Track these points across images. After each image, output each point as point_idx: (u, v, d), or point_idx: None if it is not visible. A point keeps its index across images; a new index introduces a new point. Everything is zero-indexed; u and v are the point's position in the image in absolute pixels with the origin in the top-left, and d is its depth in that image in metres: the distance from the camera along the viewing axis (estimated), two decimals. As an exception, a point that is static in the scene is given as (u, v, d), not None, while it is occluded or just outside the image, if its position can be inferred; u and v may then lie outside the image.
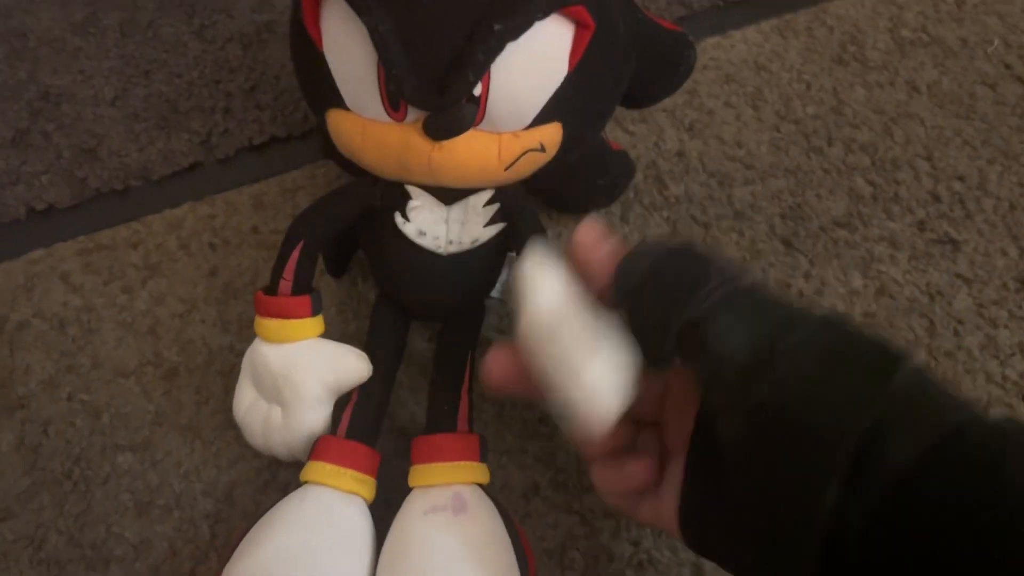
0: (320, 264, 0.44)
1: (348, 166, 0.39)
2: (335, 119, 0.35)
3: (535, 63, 0.33)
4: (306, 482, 0.36)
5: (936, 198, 0.51)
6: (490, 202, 0.38)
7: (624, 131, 0.54)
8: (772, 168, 0.53)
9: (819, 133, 0.54)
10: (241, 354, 0.40)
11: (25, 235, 0.50)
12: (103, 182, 0.50)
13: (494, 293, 0.43)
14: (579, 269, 0.30)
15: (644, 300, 0.27)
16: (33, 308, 0.47)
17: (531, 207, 0.40)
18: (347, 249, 0.45)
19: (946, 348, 0.46)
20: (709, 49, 0.58)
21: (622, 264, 0.28)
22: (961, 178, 0.52)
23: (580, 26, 0.33)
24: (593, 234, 0.30)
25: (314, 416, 0.37)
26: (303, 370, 0.37)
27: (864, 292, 0.48)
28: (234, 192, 0.51)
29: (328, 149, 0.40)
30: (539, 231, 0.39)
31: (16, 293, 0.47)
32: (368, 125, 0.34)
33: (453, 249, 0.38)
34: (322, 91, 0.35)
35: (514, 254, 0.41)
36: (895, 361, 0.24)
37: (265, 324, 0.37)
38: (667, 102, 0.55)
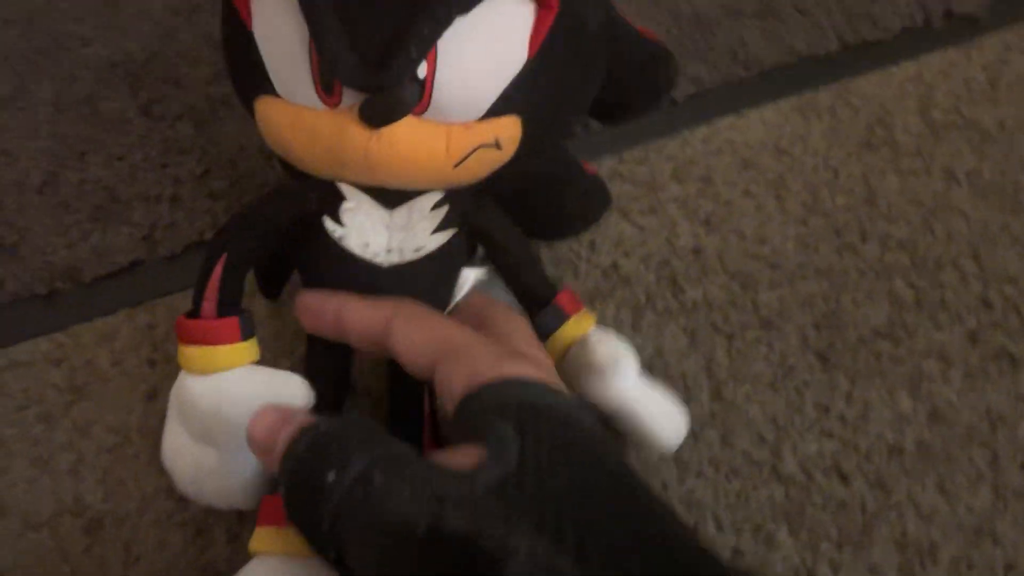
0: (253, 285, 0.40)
1: (288, 165, 0.36)
2: (263, 108, 0.32)
3: (489, 44, 0.30)
4: (257, 553, 0.33)
5: (987, 304, 0.47)
6: (438, 205, 0.34)
7: (631, 223, 0.50)
8: (801, 268, 0.48)
9: (851, 228, 0.50)
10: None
11: (-75, 348, 0.44)
12: (23, 285, 0.45)
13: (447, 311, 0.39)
14: (259, 456, 0.29)
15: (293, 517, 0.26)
16: (-71, 441, 0.40)
17: (492, 204, 0.36)
18: (282, 266, 0.41)
19: (1015, 485, 0.41)
20: (724, 130, 0.54)
21: (276, 481, 0.27)
22: (1013, 280, 0.48)
23: (542, 6, 0.30)
24: (268, 423, 0.28)
25: (251, 457, 0.33)
26: (235, 404, 0.33)
27: (915, 417, 0.43)
28: (180, 296, 0.46)
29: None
30: (509, 232, 0.37)
31: (-91, 422, 0.41)
32: (299, 112, 0.31)
33: (394, 259, 0.34)
34: (251, 76, 0.32)
35: (481, 269, 0.39)
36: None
37: (188, 353, 0.34)
38: (679, 191, 0.51)
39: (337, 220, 0.34)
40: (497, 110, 0.31)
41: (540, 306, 0.38)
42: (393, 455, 0.25)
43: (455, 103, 0.30)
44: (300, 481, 0.26)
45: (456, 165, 0.32)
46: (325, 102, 0.30)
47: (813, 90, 0.57)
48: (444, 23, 0.28)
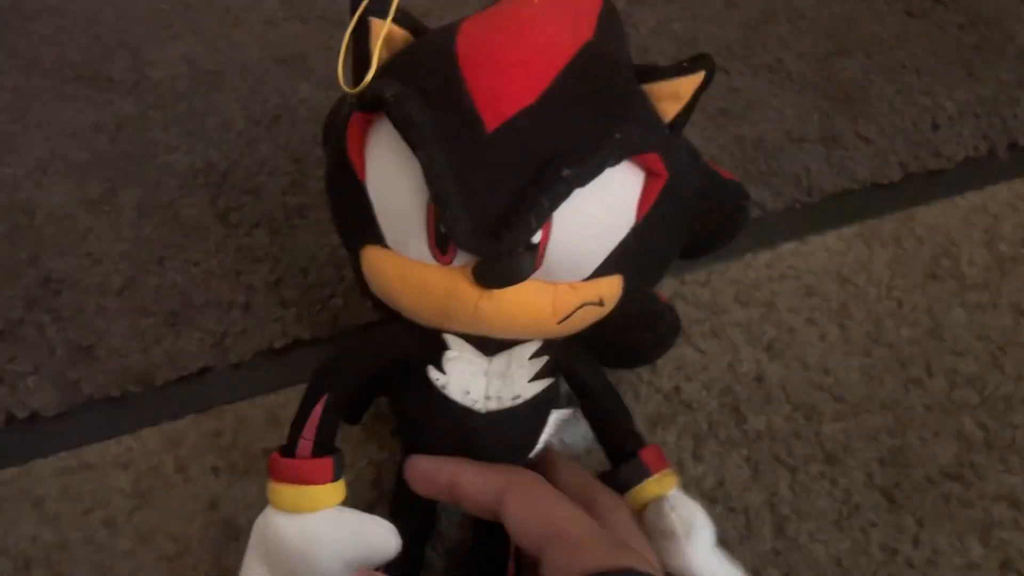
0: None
1: (383, 306, 0.36)
2: (371, 257, 0.33)
3: (601, 212, 0.31)
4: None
5: (1060, 447, 0.46)
6: (537, 354, 0.35)
7: (693, 347, 0.50)
8: (866, 401, 0.48)
9: (916, 361, 0.50)
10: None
11: (-1, 447, 0.45)
12: (98, 387, 0.46)
13: (533, 454, 0.39)
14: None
15: None
16: (-3, 542, 0.41)
17: (582, 349, 0.37)
18: (368, 398, 0.41)
19: (1095, 647, 0.39)
20: (786, 256, 0.55)
21: None
22: (1087, 423, 0.47)
23: (651, 175, 0.32)
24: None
25: None
26: (323, 546, 0.33)
27: (985, 565, 0.42)
28: (246, 404, 0.47)
29: (363, 287, 0.38)
30: (600, 380, 0.38)
31: (-20, 521, 0.42)
32: (409, 266, 0.32)
33: (492, 406, 0.35)
34: (359, 225, 0.33)
35: (569, 410, 0.39)
36: None
37: (280, 491, 0.34)
38: (742, 315, 0.51)
39: (440, 368, 0.34)
40: (602, 271, 0.32)
41: (624, 457, 0.38)
42: None
43: (564, 266, 0.32)
44: None
45: (560, 322, 0.33)
46: (438, 259, 0.31)
47: (877, 218, 0.57)
48: (564, 196, 0.29)
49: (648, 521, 0.37)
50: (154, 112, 0.60)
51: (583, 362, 0.37)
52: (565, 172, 0.29)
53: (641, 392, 0.48)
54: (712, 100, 0.63)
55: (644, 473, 0.37)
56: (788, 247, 0.55)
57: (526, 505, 0.32)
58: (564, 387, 0.38)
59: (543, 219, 0.29)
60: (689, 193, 0.35)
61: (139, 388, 0.47)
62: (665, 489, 0.37)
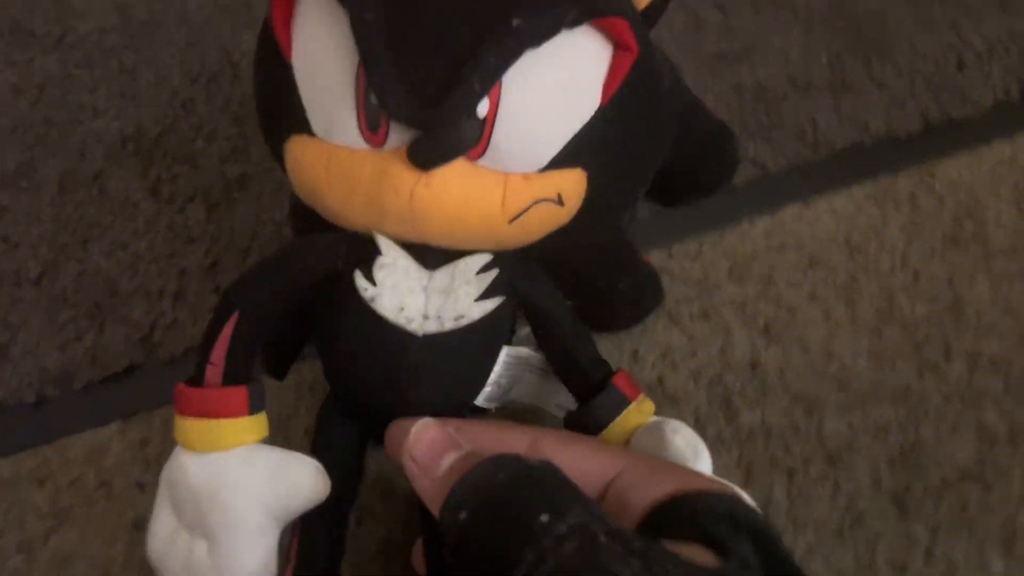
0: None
1: (308, 224, 0.33)
2: (295, 149, 0.29)
3: (560, 84, 0.27)
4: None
5: (1095, 440, 0.42)
6: (485, 268, 0.31)
7: (681, 330, 0.45)
8: (874, 390, 0.43)
9: (933, 342, 0.45)
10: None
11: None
12: (10, 391, 0.43)
13: (479, 400, 0.35)
14: (413, 483, 0.28)
15: (464, 563, 0.24)
16: None
17: (543, 274, 0.33)
18: (294, 339, 0.37)
19: None
20: (788, 222, 0.49)
21: (447, 505, 0.25)
22: None
23: (620, 48, 0.27)
24: (430, 440, 0.28)
25: (252, 553, 0.29)
26: (236, 489, 0.29)
27: (1008, 580, 0.38)
28: (177, 407, 0.42)
29: (291, 209, 0.34)
30: (560, 304, 0.33)
31: None
32: (337, 153, 0.28)
33: (431, 328, 0.30)
34: (283, 114, 0.29)
35: (525, 347, 0.35)
36: None
37: (186, 426, 0.30)
38: (736, 292, 0.46)
39: (370, 278, 0.30)
40: (562, 161, 0.28)
41: (594, 390, 0.34)
42: (611, 523, 0.23)
43: (517, 149, 0.27)
44: (497, 514, 0.24)
45: (511, 221, 0.28)
46: (368, 140, 0.27)
47: (891, 175, 0.52)
48: (513, 55, 0.25)
49: (645, 451, 0.33)
50: (80, 71, 0.55)
51: (542, 286, 0.33)
52: (516, 22, 0.25)
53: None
54: (706, 41, 0.57)
55: (623, 402, 0.33)
56: (790, 211, 0.50)
57: (568, 447, 0.29)
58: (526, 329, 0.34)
59: (489, 82, 0.25)
60: (665, 87, 0.30)
61: (57, 392, 0.43)
62: (647, 415, 0.34)
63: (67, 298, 0.45)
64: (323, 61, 0.27)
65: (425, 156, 0.26)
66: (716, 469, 0.41)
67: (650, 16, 0.29)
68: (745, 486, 0.40)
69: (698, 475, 0.28)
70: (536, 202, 0.28)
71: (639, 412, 0.33)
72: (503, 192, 0.28)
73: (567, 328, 0.34)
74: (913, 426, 0.42)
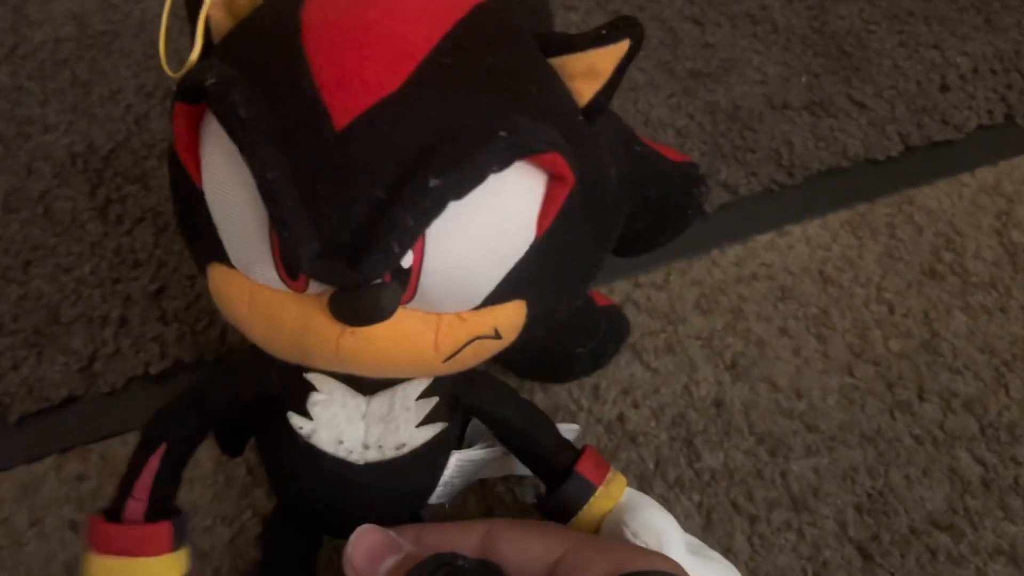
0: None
1: None
2: (216, 277, 0.27)
3: (489, 227, 0.25)
4: None
5: (1072, 488, 0.40)
6: (426, 394, 0.30)
7: (643, 365, 0.44)
8: (843, 432, 0.42)
9: (906, 381, 0.43)
10: None
11: None
12: (-59, 424, 0.40)
13: (432, 499, 0.34)
14: None
15: None
16: None
17: (488, 381, 0.33)
18: (245, 426, 0.36)
19: None
20: (760, 251, 0.48)
21: None
22: (1106, 457, 0.41)
23: (554, 178, 0.25)
24: (368, 546, 0.28)
25: None
26: None
27: (976, 638, 0.36)
28: (117, 442, 0.41)
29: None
30: (509, 404, 0.33)
31: None
32: (258, 292, 0.26)
33: (372, 456, 0.30)
34: (201, 239, 0.27)
35: (480, 450, 0.35)
36: None
37: (103, 565, 0.29)
38: (702, 325, 0.45)
39: (304, 413, 0.29)
40: (498, 297, 0.26)
41: (561, 476, 0.33)
42: None
43: (447, 293, 0.26)
44: None
45: (446, 360, 0.27)
46: (289, 286, 0.25)
47: (868, 202, 0.50)
48: (433, 212, 0.23)
49: (609, 537, 0.32)
50: (31, 83, 0.54)
51: (486, 392, 0.32)
52: (433, 182, 0.22)
53: (580, 420, 0.42)
54: (681, 57, 0.55)
55: (589, 488, 0.33)
56: (762, 239, 0.48)
57: (521, 534, 0.29)
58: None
59: (409, 242, 0.23)
60: (609, 195, 0.28)
61: (-10, 424, 0.41)
62: (616, 498, 0.33)
63: (4, 325, 0.44)
64: (233, 203, 0.25)
65: (346, 316, 0.25)
66: (676, 514, 0.40)
67: (593, 111, 0.27)
68: (705, 532, 0.39)
69: (643, 553, 0.28)
70: (472, 340, 0.27)
71: (606, 497, 0.33)
72: (435, 335, 0.26)
73: (523, 426, 0.33)
74: (883, 470, 0.41)
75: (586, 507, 0.32)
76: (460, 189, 0.23)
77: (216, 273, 0.27)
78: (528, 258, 0.26)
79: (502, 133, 0.23)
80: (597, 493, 0.32)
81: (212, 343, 0.43)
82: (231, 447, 0.37)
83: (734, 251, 0.48)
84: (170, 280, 0.45)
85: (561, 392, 0.43)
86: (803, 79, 0.54)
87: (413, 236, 0.23)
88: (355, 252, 0.23)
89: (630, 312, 0.45)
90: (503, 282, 0.26)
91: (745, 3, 0.58)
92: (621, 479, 0.34)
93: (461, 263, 0.25)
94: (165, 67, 0.27)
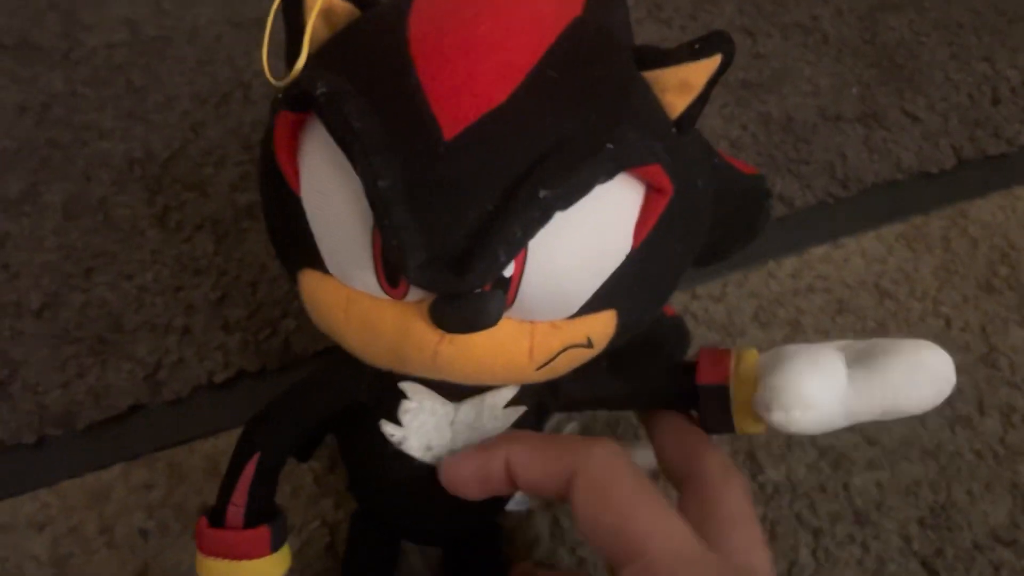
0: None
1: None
2: (310, 284, 0.27)
3: (589, 239, 0.25)
4: None
5: None
6: (514, 402, 0.30)
7: (703, 377, 0.44)
8: (904, 447, 0.42)
9: (966, 396, 0.44)
10: None
11: None
12: (10, 431, 0.41)
13: (512, 505, 0.35)
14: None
15: None
16: None
17: (568, 382, 0.31)
18: (318, 432, 0.36)
19: None
20: (816, 263, 0.48)
21: None
22: None
23: (653, 189, 0.26)
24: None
25: None
26: None
27: (1043, 654, 0.37)
28: (183, 450, 0.41)
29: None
30: (599, 388, 0.32)
31: None
32: (355, 299, 0.26)
33: None
34: (295, 245, 0.27)
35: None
36: None
37: (209, 566, 0.30)
38: (761, 338, 0.45)
39: (395, 419, 0.30)
40: (592, 307, 0.27)
41: (693, 400, 0.31)
42: None
43: (544, 303, 0.26)
44: None
45: (539, 368, 0.28)
46: (389, 293, 0.26)
47: (923, 215, 0.50)
48: (541, 222, 0.23)
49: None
50: (87, 89, 0.54)
51: (573, 386, 0.32)
52: (543, 193, 0.23)
53: (640, 434, 0.42)
54: (733, 68, 0.55)
55: (722, 393, 0.30)
56: (818, 252, 0.49)
57: (598, 502, 0.26)
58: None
59: (515, 251, 0.23)
60: (700, 206, 0.29)
61: (59, 431, 0.42)
62: (751, 377, 0.30)
63: (69, 332, 0.44)
64: (336, 211, 0.25)
65: (450, 326, 0.25)
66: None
67: (685, 124, 0.27)
68: (770, 545, 0.39)
69: None
70: (565, 349, 0.27)
71: (742, 382, 0.30)
72: (530, 343, 0.27)
73: (619, 392, 0.33)
74: (944, 485, 0.41)
75: (734, 406, 0.30)
76: (568, 200, 0.23)
77: (310, 279, 0.28)
78: (624, 269, 0.26)
79: (609, 145, 0.24)
80: (733, 389, 0.30)
81: (275, 352, 0.44)
82: (300, 452, 0.37)
83: (790, 263, 0.48)
84: (231, 289, 0.46)
85: (622, 404, 0.43)
86: (854, 90, 0.54)
87: (520, 246, 0.23)
88: (462, 261, 0.23)
89: (689, 324, 0.46)
90: (598, 292, 0.26)
91: (795, 13, 0.58)
92: (749, 354, 0.31)
93: (561, 273, 0.25)
94: (268, 74, 0.27)
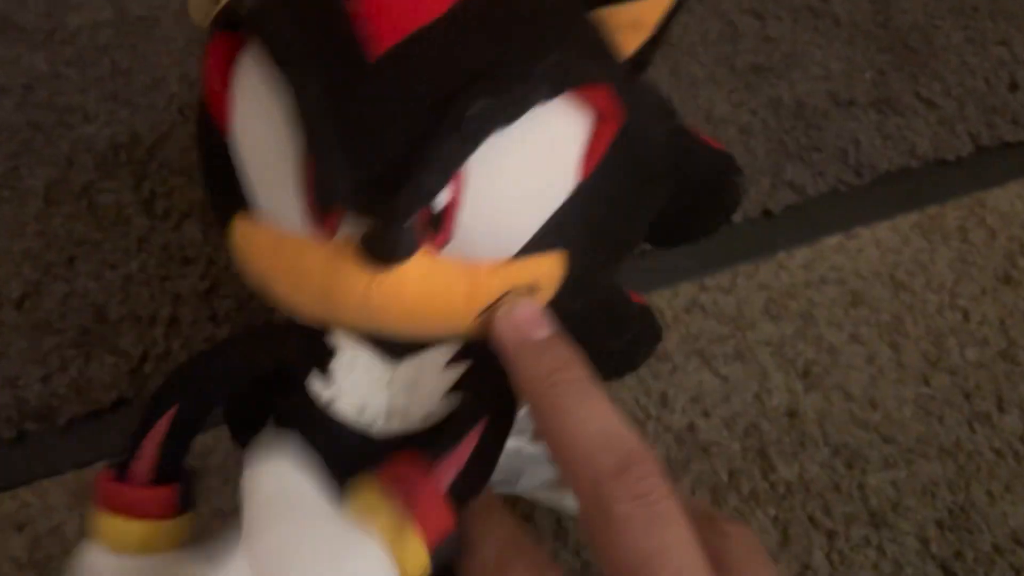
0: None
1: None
2: (240, 231, 0.26)
3: (532, 164, 0.24)
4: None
5: None
6: (455, 359, 0.28)
7: (713, 372, 0.42)
8: (921, 444, 0.41)
9: (984, 391, 0.42)
10: None
11: None
12: (-12, 427, 0.39)
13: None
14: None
15: None
16: None
17: None
18: (259, 409, 0.34)
19: None
20: (828, 254, 0.46)
21: None
22: None
23: (602, 118, 0.24)
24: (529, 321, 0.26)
25: None
26: None
27: (1067, 661, 0.35)
28: (169, 446, 0.39)
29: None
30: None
31: None
32: (283, 241, 0.25)
33: (395, 427, 0.28)
34: (226, 189, 0.26)
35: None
36: None
37: (103, 522, 0.27)
38: (772, 331, 0.44)
39: (323, 374, 0.28)
40: (536, 246, 0.25)
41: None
42: None
43: (483, 239, 0.25)
44: None
45: (479, 315, 0.26)
46: (317, 229, 0.24)
47: (939, 204, 0.49)
48: (479, 137, 0.22)
49: None
50: (70, 70, 0.52)
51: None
52: (480, 104, 0.22)
53: (648, 429, 0.41)
54: (742, 53, 0.54)
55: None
56: (830, 242, 0.47)
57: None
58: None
59: (452, 169, 0.22)
60: (654, 148, 0.27)
61: (39, 427, 0.40)
62: None
63: (51, 323, 0.42)
64: (265, 139, 0.24)
65: (377, 254, 0.23)
66: (752, 529, 0.38)
67: (640, 62, 0.26)
68: (782, 548, 0.38)
69: None
70: (506, 294, 0.26)
71: None
72: (468, 286, 0.25)
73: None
74: (963, 484, 0.40)
75: None
76: (508, 113, 0.22)
77: (240, 227, 0.26)
78: (570, 203, 0.25)
79: (548, 63, 0.22)
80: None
81: (266, 344, 0.42)
82: (239, 432, 0.35)
83: (802, 253, 0.46)
84: (221, 278, 0.44)
85: (628, 399, 0.42)
86: (867, 75, 0.53)
87: (457, 163, 0.22)
88: (393, 182, 0.22)
89: (697, 317, 0.44)
90: (543, 228, 0.25)
91: (806, -5, 0.57)
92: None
93: (501, 204, 0.24)
94: (191, 10, 0.26)
